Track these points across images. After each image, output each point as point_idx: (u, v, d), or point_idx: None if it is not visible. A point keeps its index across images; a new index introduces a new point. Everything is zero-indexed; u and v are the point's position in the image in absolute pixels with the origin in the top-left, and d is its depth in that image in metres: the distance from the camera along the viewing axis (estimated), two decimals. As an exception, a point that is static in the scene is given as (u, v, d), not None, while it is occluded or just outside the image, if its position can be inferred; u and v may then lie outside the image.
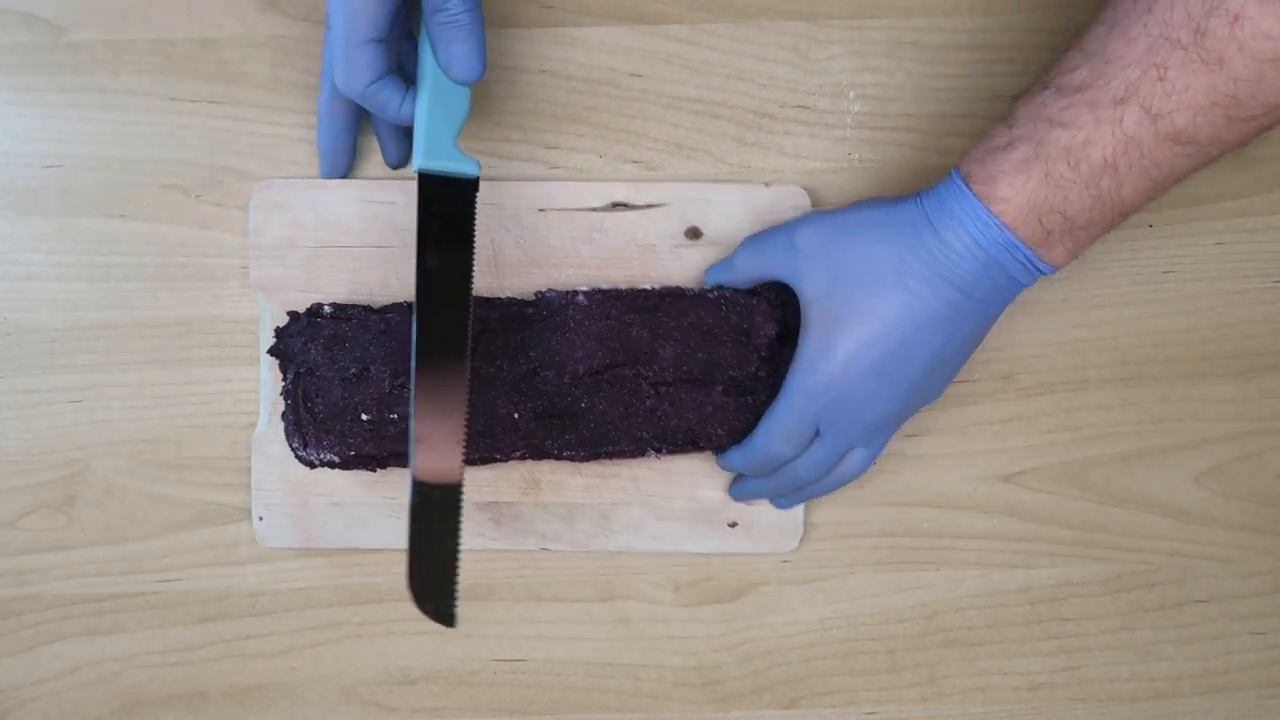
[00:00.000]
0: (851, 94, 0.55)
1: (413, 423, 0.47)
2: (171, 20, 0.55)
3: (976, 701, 0.57)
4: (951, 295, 0.47)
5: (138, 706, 0.57)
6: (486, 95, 0.55)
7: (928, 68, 0.55)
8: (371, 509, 0.55)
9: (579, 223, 0.54)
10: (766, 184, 0.55)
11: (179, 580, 0.57)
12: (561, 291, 0.53)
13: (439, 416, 0.48)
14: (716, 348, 0.52)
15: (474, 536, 0.55)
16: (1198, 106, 0.42)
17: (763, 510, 0.55)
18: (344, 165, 0.54)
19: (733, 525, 0.56)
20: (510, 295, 0.54)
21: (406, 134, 0.53)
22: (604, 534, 0.56)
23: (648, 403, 0.52)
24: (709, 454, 0.55)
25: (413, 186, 0.49)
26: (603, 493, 0.55)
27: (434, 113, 0.48)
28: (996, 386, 0.56)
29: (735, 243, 0.53)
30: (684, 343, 0.52)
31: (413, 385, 0.47)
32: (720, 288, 0.53)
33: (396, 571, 0.56)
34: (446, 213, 0.48)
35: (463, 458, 0.48)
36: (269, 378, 0.55)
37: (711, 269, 0.54)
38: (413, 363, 0.47)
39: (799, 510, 0.55)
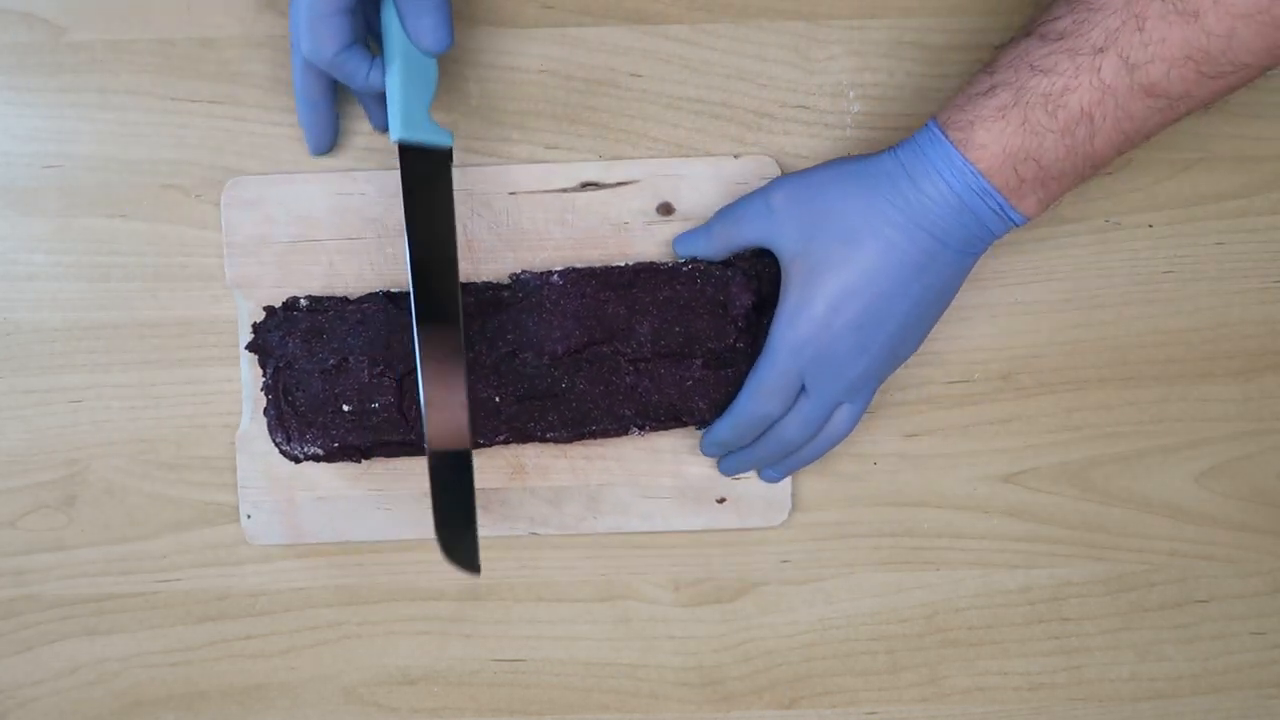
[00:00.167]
0: (851, 94, 0.55)
1: (421, 385, 0.48)
2: (171, 20, 0.55)
3: (976, 701, 0.57)
4: (928, 243, 0.47)
5: (138, 706, 0.57)
6: (487, 95, 0.55)
7: (928, 68, 0.55)
8: (358, 502, 0.55)
9: (550, 204, 0.55)
10: (735, 155, 0.55)
11: (179, 580, 0.57)
12: (536, 273, 0.53)
13: (442, 378, 0.49)
14: (693, 321, 0.52)
15: (471, 534, 0.55)
16: (1172, 59, 0.43)
17: (750, 484, 0.56)
18: (329, 138, 0.54)
19: (721, 501, 0.56)
20: (485, 280, 0.54)
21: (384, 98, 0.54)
22: (592, 515, 0.56)
23: (628, 380, 0.53)
24: (693, 431, 0.55)
25: (383, 177, 0.52)
26: (589, 474, 0.55)
27: (407, 85, 0.49)
28: (996, 386, 0.56)
29: (708, 216, 0.54)
30: (661, 318, 0.52)
31: (418, 352, 0.48)
32: (695, 261, 0.53)
33: (396, 571, 0.56)
34: (426, 183, 0.49)
35: (467, 414, 0.49)
36: (249, 375, 0.55)
37: (682, 239, 0.54)
38: (414, 330, 0.48)
39: (786, 484, 0.55)
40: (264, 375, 0.53)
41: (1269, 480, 0.57)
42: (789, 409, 0.51)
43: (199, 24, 0.55)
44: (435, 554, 0.56)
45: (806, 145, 0.55)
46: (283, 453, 0.53)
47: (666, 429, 0.54)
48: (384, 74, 0.49)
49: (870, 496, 0.57)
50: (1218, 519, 0.57)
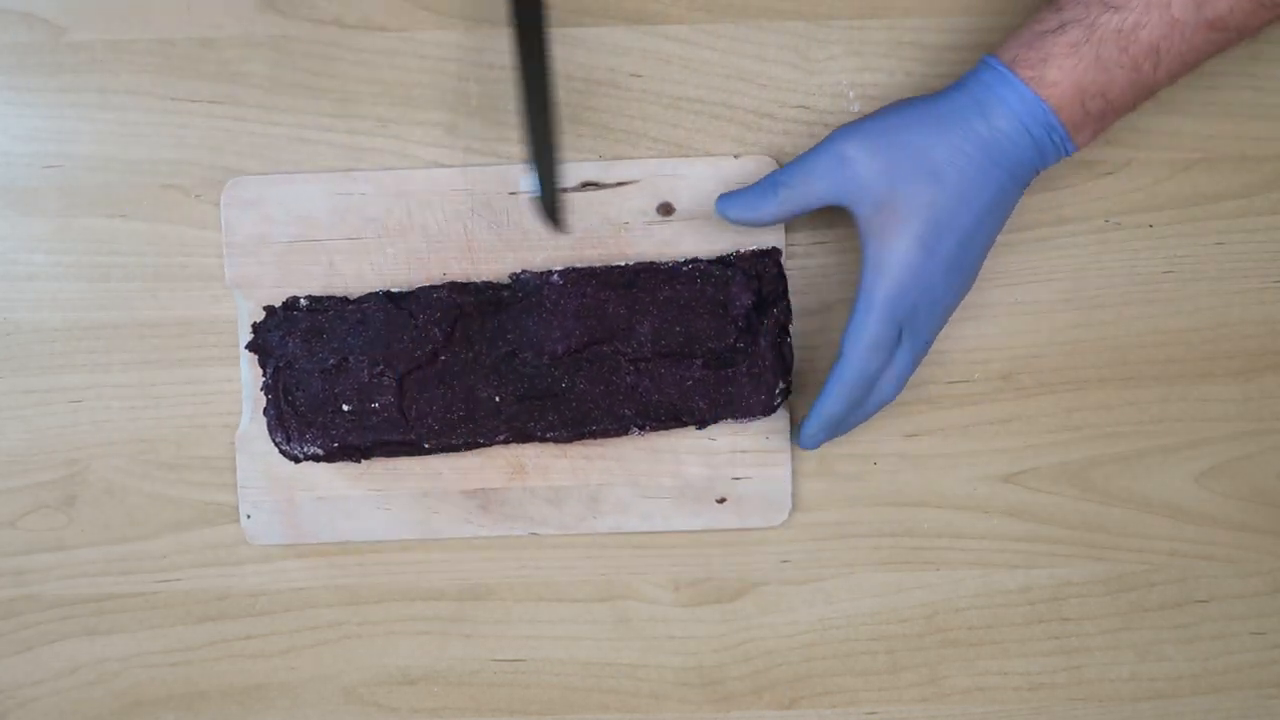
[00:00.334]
0: (851, 94, 0.55)
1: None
2: (171, 20, 0.55)
3: (976, 701, 0.57)
4: (1002, 179, 0.49)
5: (138, 706, 0.57)
6: (487, 95, 0.55)
7: (928, 68, 0.55)
8: (359, 502, 0.55)
9: None
10: (735, 155, 0.55)
11: (179, 580, 0.57)
12: (536, 272, 0.53)
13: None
14: (694, 321, 0.53)
15: (461, 525, 0.55)
16: None
17: (750, 484, 0.55)
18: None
19: (721, 501, 0.56)
20: (486, 279, 0.54)
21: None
22: (592, 515, 0.56)
23: (628, 379, 0.53)
24: (694, 431, 0.55)
25: (383, 177, 0.53)
26: (589, 474, 0.55)
27: None
28: (996, 386, 0.56)
29: (708, 216, 0.54)
30: (661, 317, 0.52)
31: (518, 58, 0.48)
32: (695, 260, 0.53)
33: (396, 571, 0.56)
34: None
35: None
36: (249, 375, 0.55)
37: (731, 200, 0.51)
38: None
39: (786, 483, 0.55)
40: (264, 375, 0.53)
41: (1269, 480, 0.57)
42: (889, 361, 0.50)
43: (199, 24, 0.55)
44: (435, 554, 0.56)
45: (806, 145, 0.55)
46: (283, 453, 0.53)
47: (666, 429, 0.54)
48: None
49: (870, 496, 0.57)
50: (1218, 519, 0.57)
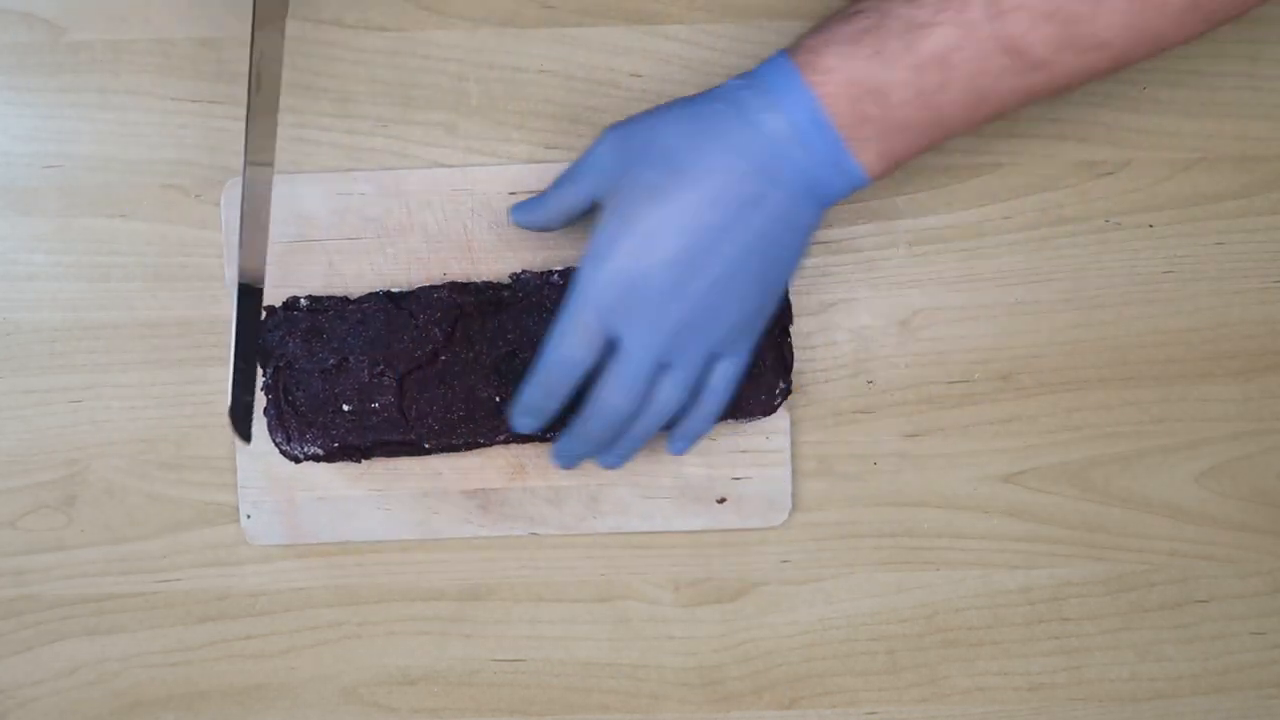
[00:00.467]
0: (851, 94, 0.55)
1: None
2: (171, 20, 0.55)
3: (976, 701, 0.57)
4: (757, 181, 0.45)
5: (138, 706, 0.57)
6: (487, 95, 0.55)
7: (928, 68, 0.55)
8: (359, 502, 0.55)
9: None
10: None
11: (178, 580, 0.57)
12: (536, 272, 0.53)
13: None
14: None
15: (462, 525, 0.55)
16: (1036, 12, 0.42)
17: (750, 484, 0.55)
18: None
19: (721, 501, 0.56)
20: (486, 279, 0.54)
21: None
22: (592, 515, 0.56)
23: None
24: None
25: (383, 177, 0.53)
26: (589, 474, 0.55)
27: None
28: (996, 386, 0.56)
29: None
30: None
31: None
32: None
33: (396, 571, 0.56)
34: None
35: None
36: None
37: (519, 208, 0.52)
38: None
39: (787, 483, 0.55)
40: (264, 375, 0.53)
41: (1269, 480, 0.57)
42: (596, 358, 0.47)
43: (199, 24, 0.55)
44: (435, 554, 0.56)
45: (806, 145, 0.55)
46: (283, 453, 0.53)
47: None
48: None
49: (870, 496, 0.57)
50: (1218, 519, 0.57)
